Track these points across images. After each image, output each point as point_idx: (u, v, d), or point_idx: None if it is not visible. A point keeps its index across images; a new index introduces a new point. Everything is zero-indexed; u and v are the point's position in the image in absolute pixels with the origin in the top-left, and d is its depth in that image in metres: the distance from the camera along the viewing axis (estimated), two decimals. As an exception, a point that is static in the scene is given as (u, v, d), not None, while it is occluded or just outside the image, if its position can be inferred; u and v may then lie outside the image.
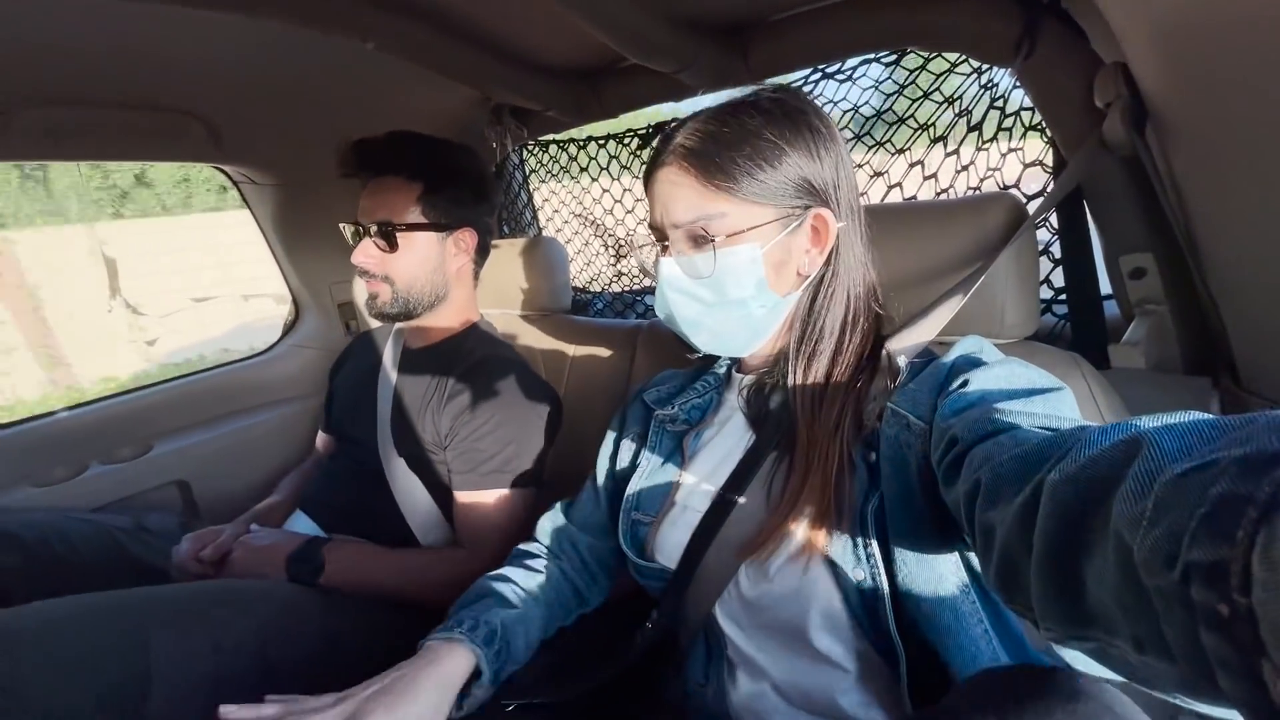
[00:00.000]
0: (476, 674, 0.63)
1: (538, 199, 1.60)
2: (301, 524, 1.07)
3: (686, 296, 0.65)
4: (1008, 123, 0.85)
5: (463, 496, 0.98)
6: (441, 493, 1.03)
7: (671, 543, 0.68)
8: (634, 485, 0.74)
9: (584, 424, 1.12)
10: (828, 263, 0.65)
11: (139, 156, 1.25)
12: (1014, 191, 0.84)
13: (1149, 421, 0.30)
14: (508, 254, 1.30)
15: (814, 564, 0.58)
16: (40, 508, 1.18)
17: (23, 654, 0.66)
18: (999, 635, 0.56)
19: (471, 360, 1.03)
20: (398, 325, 1.14)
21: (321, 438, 1.27)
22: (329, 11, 0.85)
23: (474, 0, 0.90)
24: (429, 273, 1.06)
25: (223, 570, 0.95)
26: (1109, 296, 0.86)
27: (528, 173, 1.57)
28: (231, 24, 0.86)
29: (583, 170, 1.45)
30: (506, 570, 0.76)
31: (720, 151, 0.60)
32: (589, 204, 1.50)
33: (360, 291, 1.49)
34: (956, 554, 0.55)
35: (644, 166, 0.69)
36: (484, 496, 0.97)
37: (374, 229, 1.01)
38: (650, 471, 0.74)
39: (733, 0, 0.89)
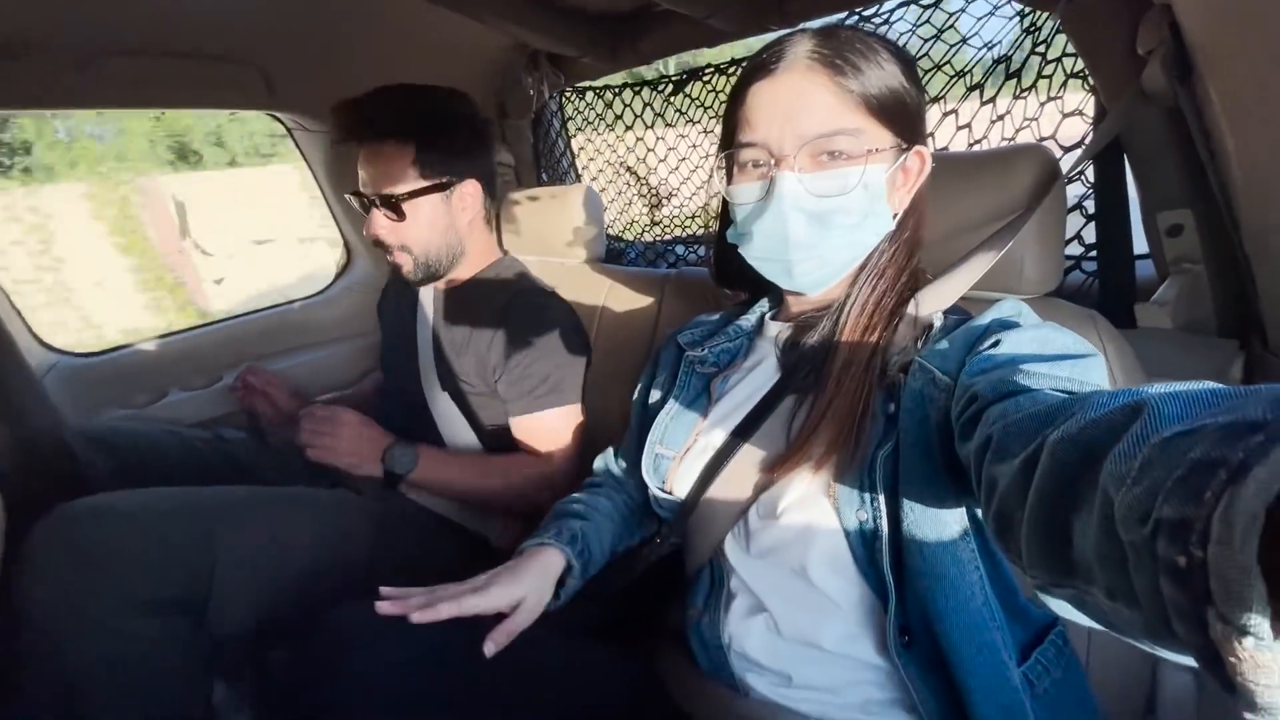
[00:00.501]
0: (568, 571, 0.72)
1: (574, 146, 1.62)
2: None
3: (807, 217, 0.61)
4: (1048, 70, 0.82)
5: (522, 421, 1.04)
6: (480, 428, 1.09)
7: (690, 476, 0.71)
8: (660, 421, 0.77)
9: (612, 366, 1.17)
10: (909, 207, 0.65)
11: (202, 104, 1.33)
12: (1046, 144, 0.81)
13: (1158, 388, 0.31)
14: (546, 202, 1.33)
15: (821, 503, 0.61)
16: (128, 427, 1.32)
17: (113, 529, 0.78)
18: (992, 583, 0.58)
19: (508, 295, 1.07)
20: None
21: (379, 377, 1.35)
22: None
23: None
24: (441, 234, 1.06)
25: (324, 440, 0.98)
26: (1142, 256, 0.84)
27: (565, 120, 1.58)
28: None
29: (617, 118, 1.45)
30: (577, 495, 0.84)
31: (855, 60, 0.58)
32: (623, 152, 1.51)
33: None
34: (963, 507, 0.57)
35: (733, 80, 0.65)
36: (542, 418, 1.03)
37: (378, 200, 1.01)
38: (677, 409, 0.76)
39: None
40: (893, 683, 0.61)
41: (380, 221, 1.03)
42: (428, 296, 1.16)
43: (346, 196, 1.07)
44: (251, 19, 1.09)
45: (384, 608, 0.60)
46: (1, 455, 0.94)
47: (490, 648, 0.61)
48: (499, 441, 1.10)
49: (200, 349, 1.47)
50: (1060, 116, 0.84)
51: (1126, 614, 0.29)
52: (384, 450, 1.00)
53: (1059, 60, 0.81)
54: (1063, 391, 0.44)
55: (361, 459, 0.99)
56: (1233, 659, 0.22)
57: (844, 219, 0.62)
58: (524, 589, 0.66)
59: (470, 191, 1.07)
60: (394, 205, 1.01)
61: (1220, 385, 0.30)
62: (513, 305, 1.06)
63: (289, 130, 1.52)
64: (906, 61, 0.63)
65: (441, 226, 1.05)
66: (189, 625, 0.80)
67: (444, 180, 1.03)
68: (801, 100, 0.59)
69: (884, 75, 0.60)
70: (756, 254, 0.67)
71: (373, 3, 0.95)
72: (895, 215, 0.65)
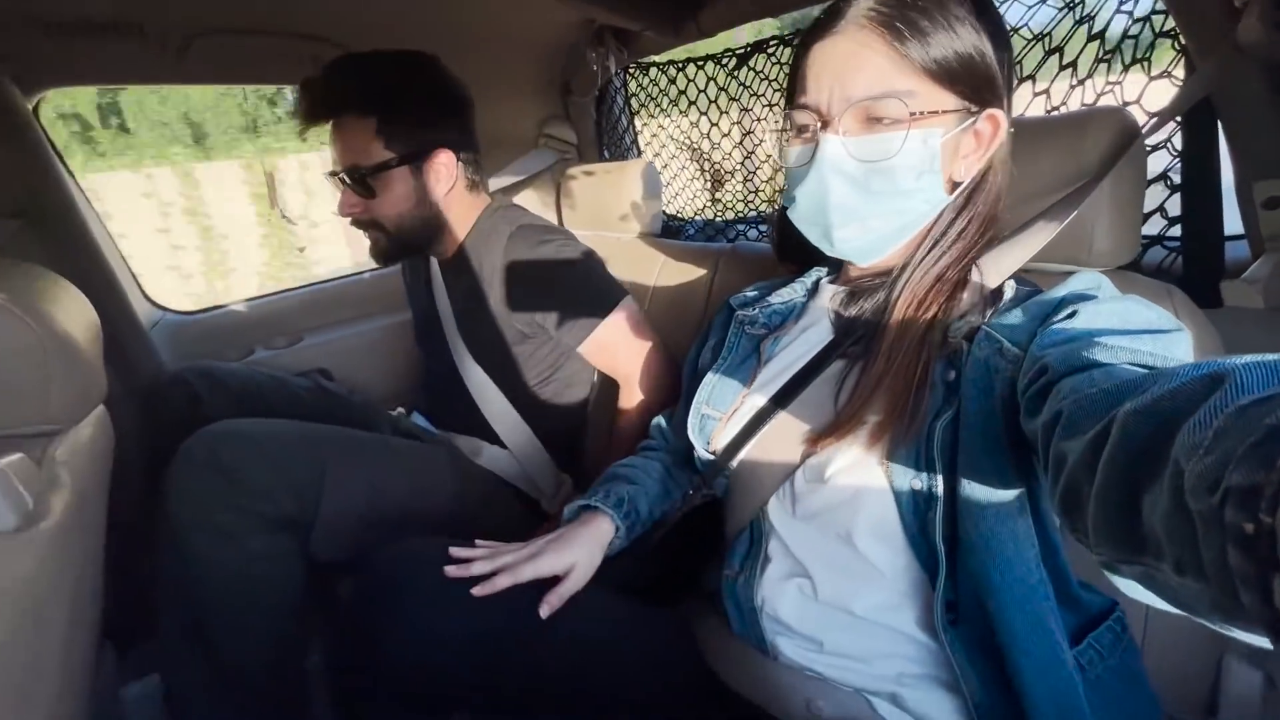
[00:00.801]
0: (615, 534, 0.75)
1: (637, 123, 1.63)
2: (421, 423, 1.23)
3: (848, 181, 0.60)
4: (1135, 29, 0.77)
5: (588, 344, 1.04)
6: (513, 390, 1.12)
7: (734, 437, 0.72)
8: (708, 381, 0.77)
9: (665, 339, 1.18)
10: (981, 175, 0.62)
11: (286, 80, 1.42)
12: (1127, 107, 0.76)
13: (1243, 359, 0.30)
14: (602, 177, 1.35)
15: (873, 470, 0.59)
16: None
17: (245, 449, 0.87)
18: (1047, 561, 0.56)
19: (501, 245, 1.04)
20: None
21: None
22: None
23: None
24: (414, 208, 1.02)
25: None
26: (1235, 237, 0.77)
27: (629, 97, 1.59)
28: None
29: (680, 93, 1.45)
30: (629, 459, 0.87)
31: (917, 21, 0.56)
32: (686, 127, 1.51)
33: None
34: (1023, 482, 0.55)
35: (790, 42, 0.65)
36: (605, 329, 1.03)
37: (344, 174, 0.98)
38: (726, 370, 0.77)
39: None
40: (933, 659, 0.60)
41: (351, 199, 1.01)
42: (435, 270, 1.18)
43: (325, 176, 1.05)
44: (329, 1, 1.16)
45: (451, 571, 0.63)
46: (113, 397, 1.05)
47: (545, 610, 0.64)
48: (535, 406, 1.13)
49: (282, 311, 1.59)
50: (1146, 80, 0.78)
51: (1194, 588, 0.28)
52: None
53: (1147, 19, 0.76)
54: (1142, 366, 0.41)
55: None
56: None
57: (887, 184, 0.60)
58: (575, 555, 0.69)
59: (443, 161, 1.02)
60: (361, 180, 0.98)
61: None
62: (510, 253, 1.04)
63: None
64: (990, 18, 0.60)
65: (414, 200, 1.02)
66: (295, 546, 0.89)
67: (412, 151, 0.99)
68: (852, 61, 0.58)
69: (950, 37, 0.57)
70: (800, 217, 0.66)
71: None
72: (960, 184, 0.62)
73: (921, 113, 0.57)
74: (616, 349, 1.06)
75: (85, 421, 0.66)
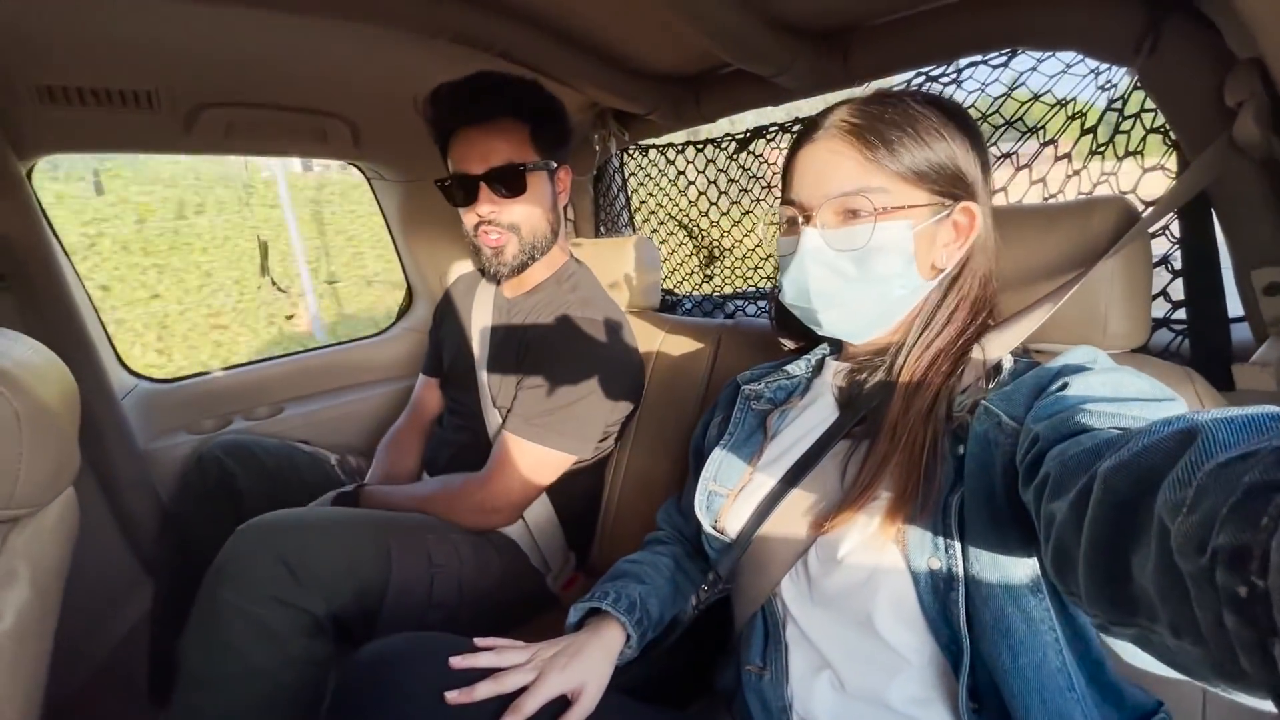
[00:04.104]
0: (625, 642, 0.70)
1: (634, 202, 1.67)
2: None
3: (828, 270, 0.65)
4: (1126, 125, 0.81)
5: (507, 436, 1.03)
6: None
7: (743, 515, 0.70)
8: (715, 458, 0.76)
9: (664, 415, 1.16)
10: (963, 261, 0.66)
11: (295, 152, 1.44)
12: (1127, 196, 0.79)
13: (1212, 414, 0.30)
14: (604, 252, 1.36)
15: (888, 548, 0.58)
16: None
17: (309, 539, 0.85)
18: (1074, 650, 0.54)
19: (561, 310, 1.06)
20: (487, 277, 1.17)
21: (423, 380, 1.36)
22: (458, 23, 0.95)
23: (587, 9, 0.97)
24: (545, 214, 1.07)
25: None
26: (1239, 319, 0.79)
27: (626, 176, 1.64)
28: (373, 36, 0.98)
29: (680, 174, 1.49)
30: (638, 555, 0.83)
31: (885, 128, 0.62)
32: (684, 206, 1.54)
33: (453, 275, 1.62)
34: (1033, 558, 0.54)
35: (780, 152, 0.71)
36: (523, 446, 1.01)
37: (491, 175, 1.00)
38: (732, 446, 0.76)
39: (833, 4, 0.90)
40: None
41: (491, 197, 1.02)
42: (488, 309, 1.18)
43: (434, 183, 1.08)
44: (344, 79, 1.18)
45: (456, 663, 0.60)
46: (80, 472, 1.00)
47: None
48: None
49: (265, 381, 1.53)
50: (1140, 172, 0.82)
51: (1193, 652, 0.28)
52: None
53: (1137, 115, 0.80)
54: (1122, 429, 0.42)
55: None
56: None
57: (863, 271, 0.64)
58: (584, 674, 0.64)
59: (564, 176, 1.11)
60: (515, 176, 1.01)
61: (1276, 409, 0.29)
62: (558, 323, 1.05)
63: (368, 179, 1.62)
64: (961, 123, 0.65)
65: (548, 206, 1.08)
66: (330, 653, 0.84)
67: (552, 160, 1.06)
68: (830, 162, 0.64)
69: (919, 144, 0.62)
70: (789, 301, 0.71)
71: (453, 67, 1.02)
72: (942, 270, 0.66)
73: (890, 208, 0.62)
74: (507, 462, 1.03)
75: (53, 505, 0.60)
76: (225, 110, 1.17)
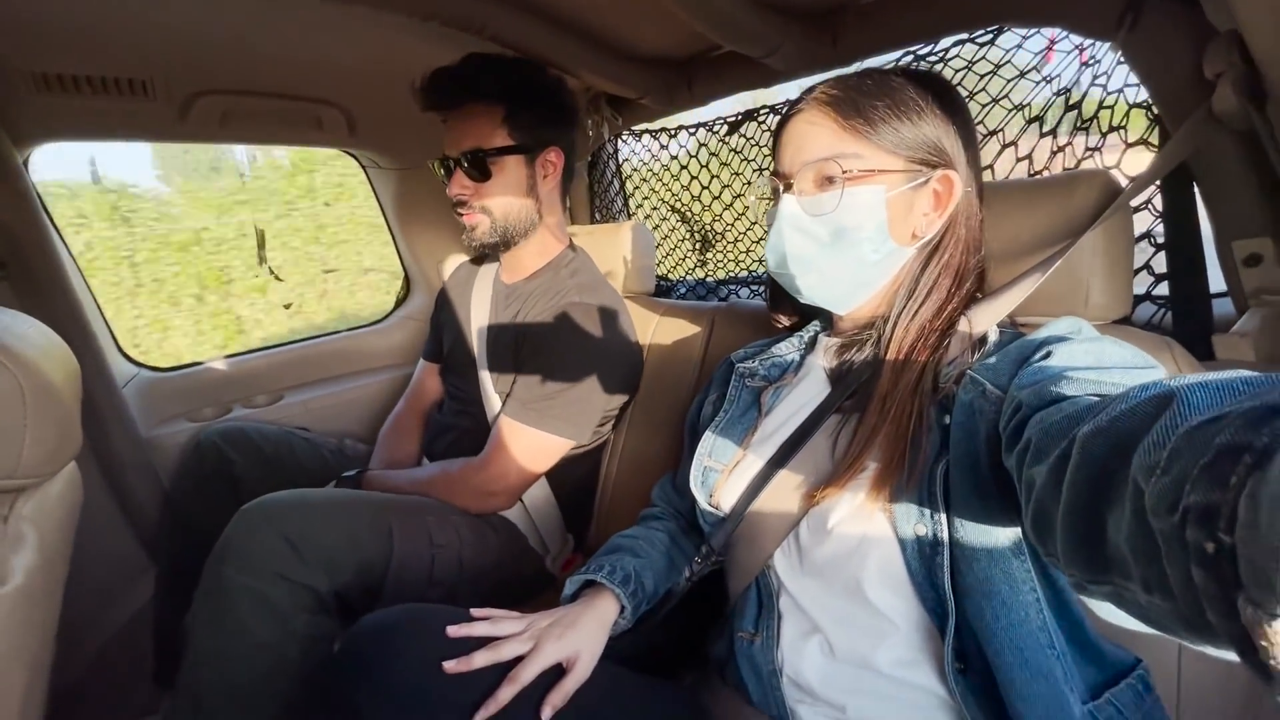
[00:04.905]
0: (620, 613, 0.72)
1: (629, 186, 1.67)
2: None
3: (803, 234, 0.67)
4: (1110, 100, 0.82)
5: (504, 420, 1.04)
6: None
7: (737, 491, 0.71)
8: (710, 434, 0.78)
9: (659, 398, 1.17)
10: (944, 229, 0.67)
11: (290, 141, 1.44)
12: (1110, 170, 0.81)
13: (1188, 379, 0.31)
14: (598, 238, 1.37)
15: (876, 517, 0.60)
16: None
17: (312, 517, 0.86)
18: (1054, 609, 0.56)
19: (562, 300, 1.07)
20: (486, 264, 1.19)
21: (423, 365, 1.38)
22: (449, 7, 0.95)
23: (577, -7, 0.98)
24: (522, 197, 1.07)
25: None
26: (1219, 294, 0.80)
27: (620, 161, 1.64)
28: (367, 20, 0.98)
29: (673, 158, 1.50)
30: (633, 530, 0.84)
31: (862, 98, 0.64)
32: (677, 190, 1.55)
33: (451, 265, 1.63)
34: (1016, 523, 0.55)
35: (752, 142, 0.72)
36: (519, 430, 1.02)
37: (464, 159, 1.03)
38: (727, 423, 0.77)
39: (822, -16, 0.91)
40: (954, 714, 0.58)
41: (463, 181, 1.05)
42: (487, 295, 1.19)
43: (429, 163, 1.11)
44: (338, 65, 1.19)
45: (453, 631, 0.62)
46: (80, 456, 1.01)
47: (548, 712, 0.60)
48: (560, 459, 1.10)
49: (264, 369, 1.54)
50: (1124, 147, 0.83)
51: (1163, 606, 0.29)
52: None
53: (1120, 91, 0.81)
54: (1101, 396, 0.43)
55: None
56: (1264, 643, 0.21)
57: (834, 236, 0.66)
58: (579, 643, 0.65)
59: (553, 159, 1.09)
60: (479, 161, 1.04)
61: (1250, 373, 0.29)
62: (558, 311, 1.06)
63: (363, 167, 1.63)
64: (942, 96, 0.67)
65: (523, 189, 1.08)
66: (332, 630, 0.86)
67: (529, 143, 1.06)
68: (809, 132, 0.66)
69: (894, 115, 0.64)
70: (772, 269, 0.73)
71: (446, 49, 1.02)
72: (921, 238, 0.67)
73: (860, 171, 0.63)
74: (505, 447, 1.04)
75: (57, 478, 0.61)
76: (220, 98, 1.18)
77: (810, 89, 0.69)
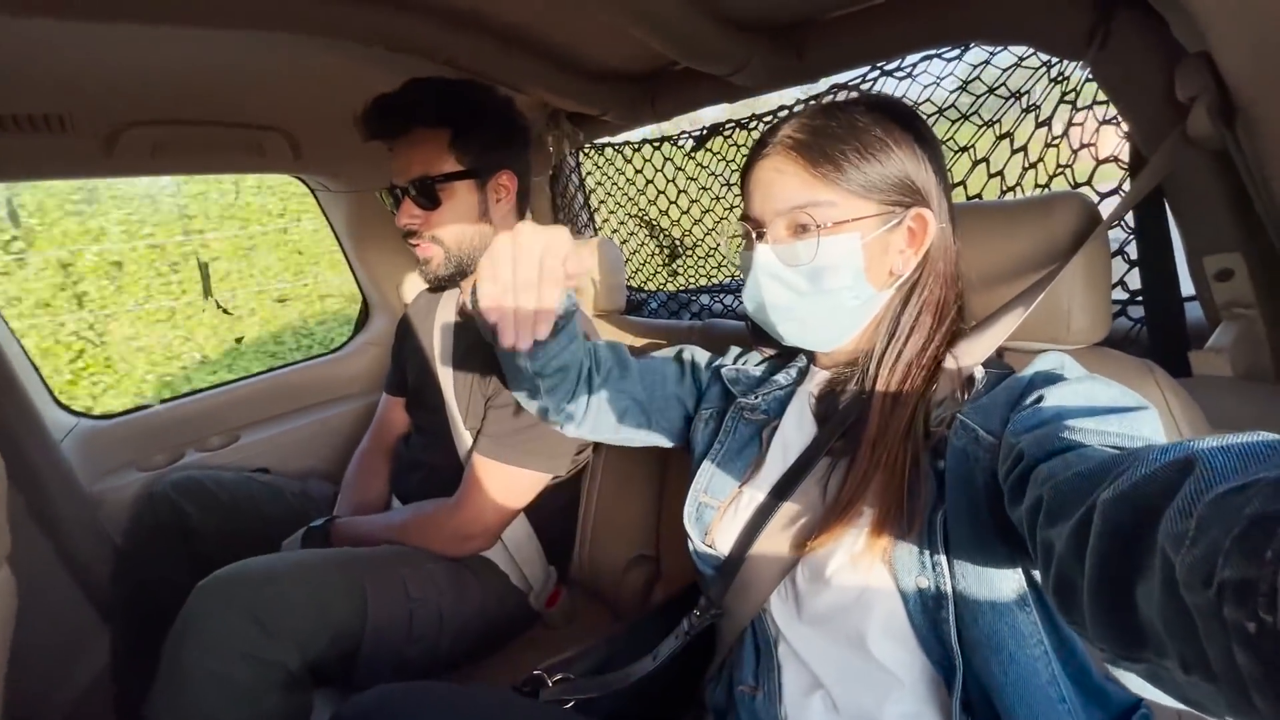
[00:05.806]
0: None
1: (593, 201, 1.63)
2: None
3: (780, 284, 0.66)
4: (1079, 118, 0.81)
5: (477, 458, 0.99)
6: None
7: (733, 531, 0.69)
8: (706, 468, 0.75)
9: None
10: (921, 265, 0.66)
11: (229, 169, 1.36)
12: (1084, 191, 0.80)
13: (1208, 442, 0.30)
14: (564, 256, 1.33)
15: (875, 567, 0.58)
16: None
17: (279, 590, 0.81)
18: (1061, 659, 0.55)
19: None
20: (448, 291, 1.13)
21: (386, 400, 1.31)
22: (402, 32, 0.90)
23: (534, 12, 0.93)
24: (475, 224, 1.01)
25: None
26: (1190, 299, 0.81)
27: (583, 176, 1.60)
28: (313, 45, 0.92)
29: (638, 172, 1.46)
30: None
31: (829, 143, 0.62)
32: (644, 205, 1.52)
33: (412, 287, 1.56)
34: (1020, 572, 0.54)
35: (732, 165, 0.69)
36: (494, 468, 0.98)
37: (411, 187, 0.98)
38: (725, 457, 0.74)
39: (785, 0, 0.88)
40: None
41: (412, 210, 0.99)
42: (448, 324, 1.13)
43: (376, 194, 1.05)
44: (278, 90, 1.12)
45: None
46: (18, 520, 0.94)
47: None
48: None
49: (217, 409, 1.46)
50: (1094, 163, 0.82)
51: (1205, 688, 0.27)
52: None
53: (1089, 108, 0.81)
54: (1112, 448, 0.42)
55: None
56: None
57: (813, 286, 0.64)
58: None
59: (505, 182, 1.04)
60: (427, 189, 0.98)
61: (1270, 436, 0.29)
62: None
63: (312, 190, 1.55)
64: (910, 129, 0.65)
65: (476, 215, 1.02)
66: (307, 702, 0.82)
67: (478, 167, 1.00)
68: (777, 179, 0.65)
69: (863, 159, 0.62)
70: (750, 314, 0.71)
71: (395, 72, 0.97)
72: (899, 276, 0.66)
73: (835, 222, 0.61)
74: (479, 486, 0.99)
75: None
76: (150, 129, 1.09)
77: (774, 130, 0.66)
